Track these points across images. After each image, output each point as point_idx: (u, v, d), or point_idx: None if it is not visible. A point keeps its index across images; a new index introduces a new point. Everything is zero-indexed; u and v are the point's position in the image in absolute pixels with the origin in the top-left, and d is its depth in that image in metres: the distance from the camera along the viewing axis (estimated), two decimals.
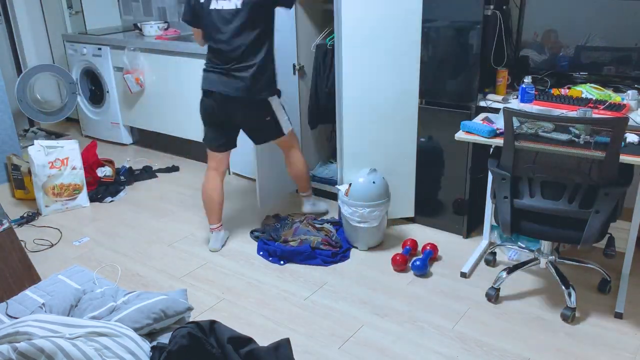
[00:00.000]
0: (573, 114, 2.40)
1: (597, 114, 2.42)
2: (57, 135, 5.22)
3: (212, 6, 2.73)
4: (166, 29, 4.62)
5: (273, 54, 2.82)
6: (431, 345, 2.26)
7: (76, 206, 3.66)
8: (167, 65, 4.22)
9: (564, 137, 2.12)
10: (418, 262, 2.74)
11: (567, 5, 2.71)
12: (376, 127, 3.18)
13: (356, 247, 3.03)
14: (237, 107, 2.84)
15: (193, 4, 2.81)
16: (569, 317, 2.36)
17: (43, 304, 1.85)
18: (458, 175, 2.99)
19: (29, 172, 3.59)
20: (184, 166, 4.37)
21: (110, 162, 4.09)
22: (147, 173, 4.20)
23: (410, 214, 3.26)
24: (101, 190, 3.84)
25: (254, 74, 2.74)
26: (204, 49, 3.97)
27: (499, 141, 2.38)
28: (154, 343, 1.66)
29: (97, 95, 4.90)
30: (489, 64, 2.85)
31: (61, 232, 3.33)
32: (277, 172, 3.56)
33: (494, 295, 2.52)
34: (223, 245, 3.10)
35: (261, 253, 2.99)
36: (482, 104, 2.79)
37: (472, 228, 3.15)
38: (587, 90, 2.68)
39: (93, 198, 3.77)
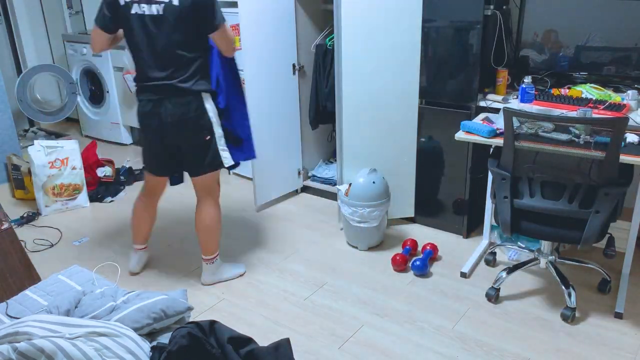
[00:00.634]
0: (573, 114, 2.40)
1: (597, 114, 2.42)
2: (57, 135, 5.22)
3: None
4: None
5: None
6: (431, 345, 2.26)
7: (76, 206, 3.66)
8: None
9: (564, 137, 2.12)
10: (418, 262, 2.74)
11: (567, 5, 2.71)
12: (376, 127, 3.18)
13: (356, 247, 3.03)
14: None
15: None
16: (569, 317, 2.36)
17: (47, 306, 1.85)
18: (458, 175, 2.99)
19: (29, 172, 3.59)
20: None
21: (110, 162, 4.09)
22: None
23: (410, 214, 3.26)
24: (101, 190, 3.84)
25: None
26: None
27: (499, 141, 2.38)
28: (154, 343, 1.66)
29: (97, 95, 4.90)
30: (489, 64, 2.85)
31: (61, 232, 3.33)
32: (274, 171, 3.56)
33: (494, 295, 2.52)
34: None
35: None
36: (482, 104, 2.79)
37: (472, 228, 3.15)
38: (587, 90, 2.68)
39: (93, 198, 3.77)
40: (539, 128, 2.15)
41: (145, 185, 2.82)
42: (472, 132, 2.48)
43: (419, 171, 3.12)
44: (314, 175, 3.73)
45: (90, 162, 3.88)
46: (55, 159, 3.49)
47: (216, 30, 2.45)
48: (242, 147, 2.64)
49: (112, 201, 3.77)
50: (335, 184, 3.38)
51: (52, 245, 3.18)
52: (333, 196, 3.61)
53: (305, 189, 3.74)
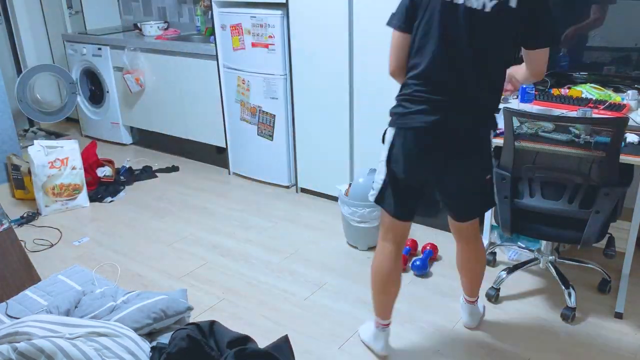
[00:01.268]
0: (573, 114, 2.40)
1: (597, 114, 2.42)
2: (57, 135, 5.22)
3: None
4: (166, 29, 4.62)
5: None
6: (431, 345, 2.26)
7: (76, 206, 3.66)
8: (167, 65, 4.22)
9: (564, 137, 2.12)
10: (418, 262, 2.74)
11: (567, 5, 2.70)
12: (376, 126, 3.18)
13: (356, 247, 3.03)
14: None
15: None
16: (569, 317, 2.36)
17: (47, 306, 1.85)
18: None
19: (29, 172, 3.59)
20: (184, 166, 4.37)
21: (110, 162, 4.09)
22: (147, 173, 4.20)
23: None
24: (101, 190, 3.84)
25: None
26: (205, 49, 3.98)
27: (499, 141, 2.38)
28: (154, 343, 1.66)
29: (97, 95, 4.90)
30: None
31: (61, 232, 3.33)
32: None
33: (494, 295, 2.52)
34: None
35: None
36: None
37: None
38: (587, 90, 2.68)
39: (93, 198, 3.77)
40: (539, 128, 2.15)
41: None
42: None
43: None
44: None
45: (90, 162, 3.88)
46: (55, 159, 3.49)
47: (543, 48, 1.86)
48: None
49: (112, 201, 3.77)
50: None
51: (52, 245, 3.18)
52: (332, 196, 3.61)
53: (304, 188, 3.74)
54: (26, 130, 5.21)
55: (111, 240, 3.23)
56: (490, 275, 2.72)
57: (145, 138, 4.84)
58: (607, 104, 2.51)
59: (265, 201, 3.67)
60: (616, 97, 2.59)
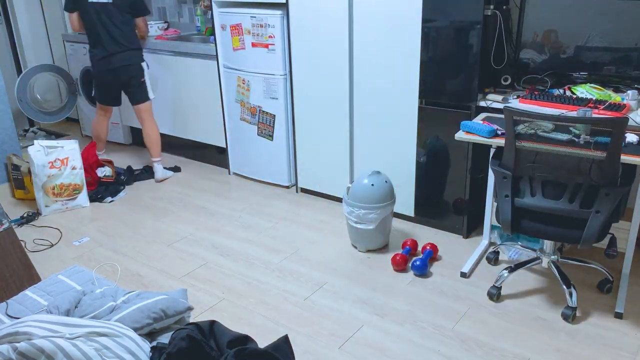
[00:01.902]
0: (573, 114, 2.40)
1: (597, 114, 2.42)
2: (57, 135, 5.22)
3: None
4: (166, 29, 4.62)
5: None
6: (431, 345, 2.26)
7: (76, 206, 3.66)
8: (167, 65, 4.22)
9: (564, 137, 2.12)
10: (418, 262, 2.74)
11: (567, 5, 2.71)
12: (376, 126, 3.18)
13: (355, 247, 3.03)
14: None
15: None
16: (570, 316, 2.36)
17: (47, 306, 1.85)
18: (458, 175, 2.99)
19: (29, 172, 3.59)
20: (184, 166, 4.37)
21: (109, 162, 4.09)
22: (147, 173, 4.20)
23: (410, 213, 3.27)
24: (101, 190, 3.84)
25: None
26: (205, 49, 3.99)
27: (499, 141, 2.38)
28: (154, 343, 1.66)
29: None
30: (489, 64, 2.85)
31: (61, 232, 3.33)
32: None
33: (495, 294, 2.52)
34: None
35: None
36: (482, 104, 2.79)
37: (472, 228, 3.15)
38: (587, 90, 2.68)
39: (93, 198, 3.77)
40: (538, 128, 2.15)
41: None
42: (472, 132, 2.48)
43: (419, 171, 3.12)
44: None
45: (90, 162, 3.88)
46: (55, 159, 3.49)
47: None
48: None
49: (112, 201, 3.77)
50: None
51: (52, 245, 3.18)
52: (332, 196, 3.61)
53: (304, 188, 3.74)
54: (26, 130, 5.21)
55: (111, 240, 3.23)
56: (491, 274, 2.73)
57: None
58: (607, 104, 2.51)
59: (265, 201, 3.67)
60: (616, 97, 2.59)
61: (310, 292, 2.66)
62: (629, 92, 2.58)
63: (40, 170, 3.45)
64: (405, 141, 3.10)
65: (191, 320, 1.88)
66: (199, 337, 1.53)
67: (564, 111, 2.48)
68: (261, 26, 3.48)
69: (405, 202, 3.24)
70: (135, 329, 1.67)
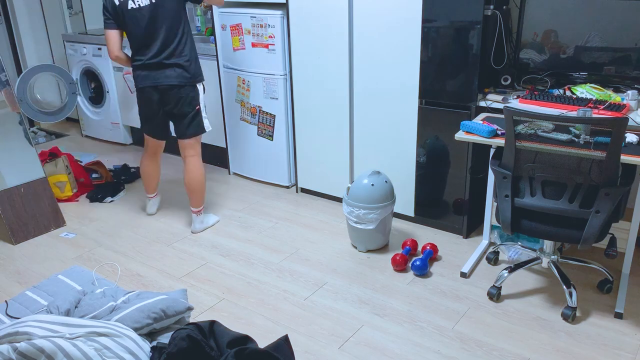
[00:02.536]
0: (573, 114, 2.40)
1: (597, 114, 2.42)
2: (57, 135, 5.22)
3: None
4: None
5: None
6: (431, 345, 2.26)
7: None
8: None
9: (564, 137, 2.12)
10: (418, 262, 2.74)
11: (567, 5, 2.71)
12: (376, 127, 3.18)
13: (355, 247, 3.03)
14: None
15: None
16: (570, 316, 2.36)
17: (47, 306, 1.85)
18: (458, 175, 2.99)
19: None
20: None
21: (97, 164, 4.08)
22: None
23: (411, 213, 3.27)
24: (101, 190, 3.84)
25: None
26: (205, 49, 3.99)
27: (499, 141, 2.38)
28: (154, 343, 1.66)
29: (97, 95, 4.90)
30: (489, 64, 2.85)
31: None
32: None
33: (495, 294, 2.52)
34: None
35: None
36: (482, 104, 2.79)
37: (472, 228, 3.15)
38: (587, 90, 2.68)
39: (93, 198, 3.77)
40: (538, 128, 2.15)
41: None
42: (472, 132, 2.48)
43: (419, 171, 3.12)
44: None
45: (79, 170, 3.91)
46: None
47: None
48: None
49: (112, 201, 3.77)
50: None
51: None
52: (332, 196, 3.61)
53: (304, 188, 3.74)
54: None
55: (111, 240, 3.23)
56: (491, 274, 2.73)
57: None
58: (607, 104, 2.51)
59: (265, 201, 3.67)
60: (616, 97, 2.59)
61: (310, 292, 2.66)
62: (629, 92, 2.58)
63: None
64: (405, 141, 3.10)
65: (191, 320, 1.88)
66: (199, 337, 1.53)
67: (564, 111, 2.48)
68: (261, 26, 3.48)
69: (405, 202, 3.24)
70: (135, 329, 1.67)
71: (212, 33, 3.82)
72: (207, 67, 3.97)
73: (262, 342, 1.74)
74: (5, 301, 1.97)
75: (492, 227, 2.97)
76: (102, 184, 3.92)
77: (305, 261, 2.93)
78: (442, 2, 2.74)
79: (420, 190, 3.17)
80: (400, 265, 2.78)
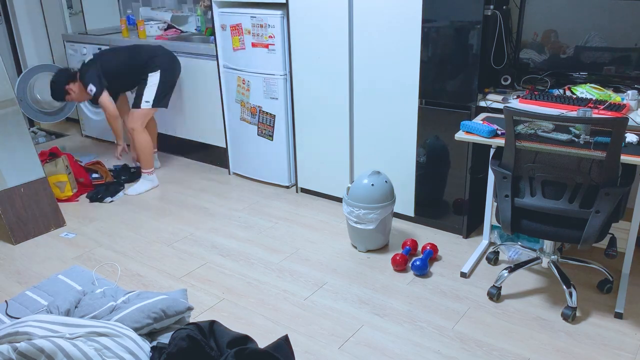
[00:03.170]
0: (573, 114, 2.40)
1: (597, 114, 2.42)
2: (57, 135, 5.22)
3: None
4: (166, 29, 4.62)
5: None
6: (431, 345, 2.26)
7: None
8: None
9: (564, 137, 2.12)
10: (418, 262, 2.74)
11: (567, 5, 2.71)
12: (376, 126, 3.18)
13: (355, 247, 3.03)
14: None
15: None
16: (570, 316, 2.36)
17: (47, 306, 1.85)
18: (458, 175, 2.99)
19: None
20: (184, 166, 4.37)
21: (97, 164, 4.08)
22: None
23: (411, 213, 3.27)
24: (101, 190, 3.84)
25: None
26: (205, 49, 3.99)
27: (499, 141, 2.38)
28: (154, 343, 1.66)
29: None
30: (489, 64, 2.85)
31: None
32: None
33: (495, 294, 2.52)
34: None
35: None
36: (482, 104, 2.79)
37: (472, 228, 3.15)
38: (587, 90, 2.68)
39: (93, 198, 3.77)
40: (538, 128, 2.15)
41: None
42: (472, 132, 2.48)
43: (419, 171, 3.12)
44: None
45: (79, 171, 3.91)
46: None
47: None
48: None
49: (112, 201, 3.77)
50: None
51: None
52: (332, 196, 3.61)
53: (304, 188, 3.74)
54: None
55: (111, 240, 3.23)
56: (491, 274, 2.73)
57: None
58: (607, 104, 2.51)
59: (265, 201, 3.68)
60: (616, 97, 2.59)
61: (310, 292, 2.66)
62: (629, 92, 2.58)
63: None
64: (405, 141, 3.10)
65: (191, 320, 1.88)
66: (199, 337, 1.53)
67: (564, 111, 2.48)
68: (261, 26, 3.48)
69: (405, 202, 3.24)
70: (136, 329, 1.67)
71: (212, 33, 3.82)
72: (207, 67, 3.98)
73: (262, 342, 1.75)
74: (5, 301, 1.97)
75: (492, 227, 2.97)
76: (102, 184, 3.92)
77: (305, 261, 2.93)
78: (442, 2, 2.74)
79: (420, 190, 3.17)
80: (400, 265, 2.78)
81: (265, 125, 3.73)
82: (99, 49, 4.59)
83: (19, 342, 1.46)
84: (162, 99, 3.83)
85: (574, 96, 2.64)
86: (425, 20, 2.82)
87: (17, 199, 3.20)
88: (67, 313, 1.79)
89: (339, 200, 3.59)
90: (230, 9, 3.63)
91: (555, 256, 2.54)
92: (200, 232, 3.29)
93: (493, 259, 2.83)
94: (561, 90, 2.76)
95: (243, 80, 3.74)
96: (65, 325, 1.54)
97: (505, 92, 2.84)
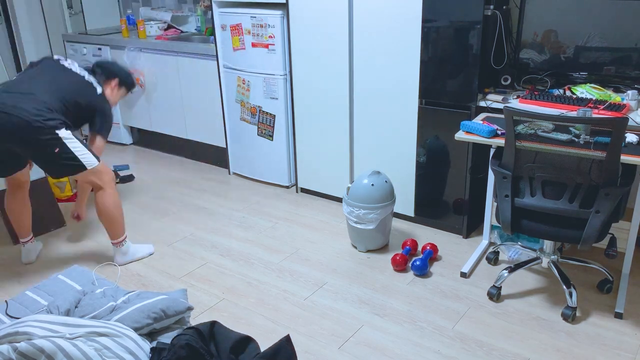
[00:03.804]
0: (573, 114, 2.40)
1: (597, 114, 2.42)
2: None
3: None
4: (166, 29, 4.62)
5: None
6: (431, 345, 2.26)
7: None
8: (167, 65, 4.22)
9: (563, 137, 2.12)
10: (418, 262, 2.74)
11: (567, 5, 2.71)
12: (376, 126, 3.18)
13: (355, 247, 3.03)
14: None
15: None
16: (570, 316, 2.36)
17: (47, 306, 1.85)
18: (458, 175, 2.99)
19: None
20: (184, 166, 4.37)
21: None
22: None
23: (411, 214, 3.27)
24: None
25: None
26: (205, 49, 3.98)
27: (499, 141, 2.38)
28: (154, 343, 1.66)
29: None
30: (489, 64, 2.85)
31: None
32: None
33: (495, 294, 2.52)
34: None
35: None
36: (482, 104, 2.79)
37: (472, 228, 3.15)
38: (587, 90, 2.68)
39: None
40: (538, 128, 2.15)
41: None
42: (472, 132, 2.48)
43: (419, 171, 3.12)
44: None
45: None
46: None
47: None
48: None
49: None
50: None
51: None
52: (332, 196, 3.61)
53: (304, 188, 3.74)
54: None
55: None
56: (491, 274, 2.73)
57: (145, 138, 4.84)
58: (607, 104, 2.51)
59: (265, 201, 3.67)
60: (616, 97, 2.59)
61: (310, 292, 2.66)
62: (629, 92, 2.59)
63: None
64: (405, 141, 3.10)
65: (191, 320, 1.88)
66: (199, 345, 1.53)
67: (564, 111, 2.48)
68: (261, 26, 3.48)
69: (405, 202, 3.24)
70: (136, 329, 1.67)
71: (212, 33, 3.82)
72: (207, 67, 3.98)
73: (263, 342, 1.74)
74: (5, 301, 1.97)
75: (492, 227, 2.97)
76: None
77: (305, 261, 2.93)
78: (442, 2, 2.74)
79: (420, 190, 3.17)
80: (400, 265, 2.78)
81: (265, 125, 3.73)
82: (99, 49, 4.59)
83: (19, 342, 1.46)
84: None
85: (574, 96, 2.64)
86: (425, 20, 2.82)
87: None
88: (67, 313, 1.79)
89: (339, 200, 3.58)
90: (230, 9, 3.63)
91: (555, 256, 2.54)
92: (200, 232, 3.29)
93: (493, 259, 2.83)
94: (561, 90, 2.76)
95: (243, 80, 3.74)
96: (65, 325, 1.54)
97: (505, 92, 2.84)
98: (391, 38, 2.95)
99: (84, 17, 4.99)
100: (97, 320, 1.66)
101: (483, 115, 2.74)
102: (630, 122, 2.35)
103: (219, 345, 1.58)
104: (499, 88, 2.90)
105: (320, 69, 3.31)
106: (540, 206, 2.25)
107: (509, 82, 2.86)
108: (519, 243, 2.83)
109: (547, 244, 2.54)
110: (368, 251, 2.99)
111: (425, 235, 3.15)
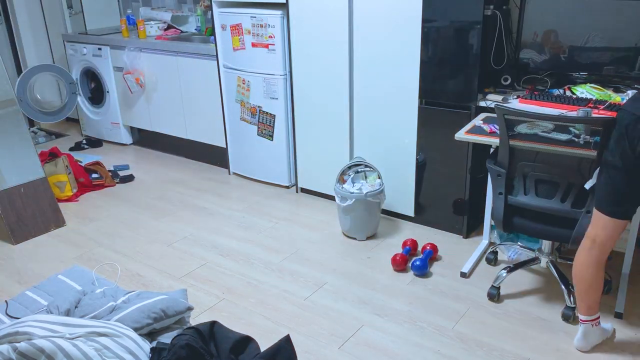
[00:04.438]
0: (573, 114, 2.40)
1: (597, 114, 2.42)
2: (57, 135, 5.22)
3: None
4: (166, 29, 4.62)
5: None
6: (431, 345, 2.26)
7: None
8: (167, 65, 4.22)
9: (563, 137, 2.12)
10: (418, 262, 2.74)
11: (567, 5, 2.71)
12: (376, 126, 3.18)
13: (354, 238, 3.03)
14: None
15: None
16: (570, 316, 2.36)
17: (47, 306, 1.85)
18: (458, 175, 2.99)
19: None
20: (184, 166, 4.37)
21: (97, 164, 4.08)
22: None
23: (410, 214, 3.27)
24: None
25: None
26: (205, 49, 3.99)
27: (496, 140, 2.38)
28: (154, 343, 1.66)
29: (97, 95, 4.90)
30: (489, 64, 2.85)
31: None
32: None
33: (495, 294, 2.52)
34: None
35: None
36: (482, 104, 2.79)
37: (472, 228, 3.15)
38: (587, 90, 2.68)
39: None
40: (538, 128, 2.15)
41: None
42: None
43: (419, 171, 3.12)
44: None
45: (79, 171, 3.91)
46: None
47: None
48: None
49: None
50: None
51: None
52: (332, 196, 3.61)
53: (304, 188, 3.74)
54: None
55: (111, 240, 3.23)
56: (491, 274, 2.73)
57: (145, 138, 4.84)
58: (607, 104, 2.51)
59: (265, 201, 3.67)
60: (616, 97, 2.59)
61: (310, 292, 2.66)
62: (629, 92, 2.59)
63: None
64: (405, 141, 3.10)
65: (191, 320, 1.88)
66: (199, 345, 1.53)
67: (563, 111, 2.48)
68: (261, 26, 3.48)
69: (406, 202, 3.24)
70: (136, 329, 1.67)
71: (212, 33, 3.82)
72: (207, 67, 3.98)
73: (263, 342, 1.75)
74: (5, 301, 1.97)
75: (492, 227, 2.97)
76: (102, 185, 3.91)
77: (305, 261, 2.93)
78: (442, 2, 2.74)
79: (420, 190, 3.17)
80: (400, 265, 2.78)
81: (265, 125, 3.73)
82: (99, 49, 4.59)
83: (19, 342, 1.46)
84: None
85: (574, 96, 2.64)
86: (425, 20, 2.82)
87: (17, 199, 3.20)
88: (67, 313, 1.79)
89: None
90: (230, 9, 3.63)
91: (554, 256, 2.54)
92: (200, 232, 3.29)
93: (493, 259, 2.83)
94: (561, 90, 2.76)
95: (243, 80, 3.74)
96: (65, 325, 1.54)
97: (505, 92, 2.84)
98: (391, 38, 2.95)
99: (84, 17, 4.99)
100: (97, 320, 1.66)
101: (483, 115, 2.74)
102: None
103: (219, 345, 1.58)
104: (499, 88, 2.90)
105: (320, 69, 3.31)
106: (532, 204, 2.26)
107: (509, 82, 2.86)
108: (518, 243, 2.84)
109: (546, 244, 2.54)
110: (370, 249, 2.99)
111: (425, 235, 3.15)
